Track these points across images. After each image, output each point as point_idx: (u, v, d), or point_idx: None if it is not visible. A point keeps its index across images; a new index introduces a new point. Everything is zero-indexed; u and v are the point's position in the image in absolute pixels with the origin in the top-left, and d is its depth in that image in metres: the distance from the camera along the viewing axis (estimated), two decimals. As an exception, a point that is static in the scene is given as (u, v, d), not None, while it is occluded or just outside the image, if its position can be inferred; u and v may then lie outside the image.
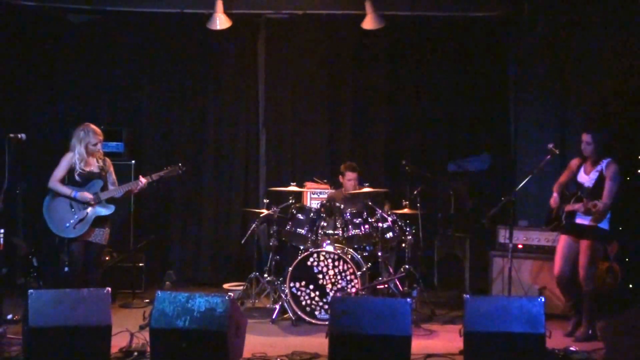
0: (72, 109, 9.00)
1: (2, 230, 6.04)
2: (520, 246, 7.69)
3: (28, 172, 8.57)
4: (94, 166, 6.74)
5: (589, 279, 6.37)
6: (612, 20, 8.13)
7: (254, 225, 7.98)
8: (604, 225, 6.35)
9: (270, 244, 7.68)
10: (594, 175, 6.37)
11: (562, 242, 6.57)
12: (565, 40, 8.59)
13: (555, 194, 6.55)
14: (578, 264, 6.41)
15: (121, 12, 9.06)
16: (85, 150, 6.66)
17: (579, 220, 6.39)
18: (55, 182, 6.63)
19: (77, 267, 6.67)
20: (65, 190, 6.60)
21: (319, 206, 7.56)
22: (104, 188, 6.74)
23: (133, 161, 8.62)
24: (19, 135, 6.20)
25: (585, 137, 6.38)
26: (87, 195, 6.60)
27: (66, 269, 7.86)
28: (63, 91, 9.21)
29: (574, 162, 6.58)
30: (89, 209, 6.62)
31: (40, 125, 9.02)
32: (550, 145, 6.40)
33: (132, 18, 9.16)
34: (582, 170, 6.50)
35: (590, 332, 6.33)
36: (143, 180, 6.83)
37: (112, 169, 6.91)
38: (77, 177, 6.65)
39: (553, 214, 6.58)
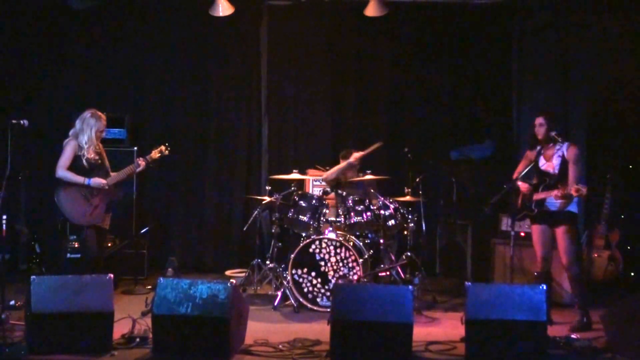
0: (75, 96, 8.98)
1: (4, 217, 6.03)
2: (522, 234, 7.68)
3: (30, 159, 8.59)
4: (94, 153, 6.72)
5: (573, 264, 6.31)
6: (616, 6, 8.09)
7: (256, 212, 7.96)
8: (574, 208, 6.32)
9: (273, 231, 7.68)
10: (556, 160, 6.33)
11: (537, 231, 6.49)
12: (568, 27, 8.55)
13: (523, 183, 6.45)
14: (558, 252, 6.38)
15: (124, -1, 9.08)
16: (94, 136, 6.65)
17: (551, 208, 6.33)
18: (64, 170, 6.53)
19: (92, 254, 6.65)
20: (78, 179, 6.54)
21: (320, 193, 7.55)
22: (107, 174, 6.73)
23: (135, 147, 8.59)
24: (21, 122, 6.15)
25: (538, 120, 6.38)
26: (101, 181, 6.57)
27: (69, 254, 7.91)
28: (66, 78, 9.18)
29: (532, 152, 6.52)
30: (101, 195, 6.61)
31: (43, 112, 9.01)
32: (553, 134, 6.36)
33: (135, 5, 9.15)
34: (541, 158, 6.43)
35: (585, 320, 6.24)
36: (142, 162, 6.84)
37: (105, 154, 6.88)
38: (85, 163, 6.58)
39: (519, 205, 6.52)
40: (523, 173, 6.43)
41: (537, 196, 6.35)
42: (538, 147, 6.41)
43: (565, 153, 6.31)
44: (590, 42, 8.34)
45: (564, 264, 6.36)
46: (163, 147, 7.00)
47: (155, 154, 6.95)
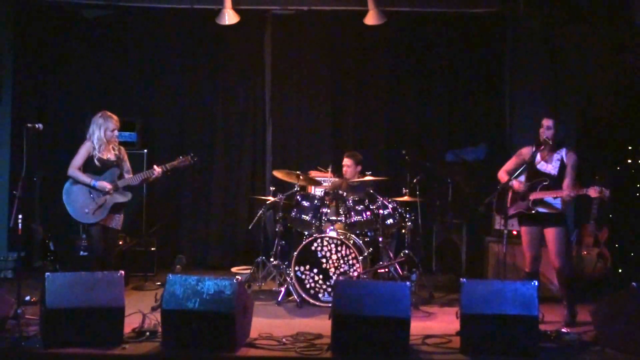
0: (87, 101, 8.96)
1: (20, 216, 6.02)
2: (514, 232, 7.65)
3: (45, 161, 8.60)
4: (110, 154, 6.71)
5: (566, 266, 6.23)
6: (603, 16, 8.09)
7: (260, 212, 7.95)
8: (563, 210, 6.25)
9: (276, 229, 7.67)
10: (556, 163, 6.23)
11: (526, 233, 6.33)
12: (559, 35, 8.55)
13: (517, 181, 6.28)
14: (548, 253, 6.29)
15: (133, 8, 9.07)
16: (104, 136, 6.64)
17: (543, 209, 6.22)
18: (74, 170, 6.59)
19: (97, 251, 6.65)
20: (85, 179, 6.55)
21: (322, 193, 7.54)
22: (120, 176, 6.72)
23: (145, 150, 8.62)
24: (36, 125, 6.17)
25: (547, 122, 6.20)
26: (106, 185, 6.56)
27: (81, 252, 7.91)
28: (78, 84, 9.18)
29: (526, 150, 6.36)
30: (107, 196, 6.60)
31: (57, 116, 9.04)
32: (544, 137, 6.34)
33: (144, 13, 9.15)
34: (538, 158, 6.31)
35: (573, 317, 6.22)
36: (158, 169, 6.80)
37: (126, 157, 6.88)
38: (96, 162, 6.60)
39: (508, 204, 6.35)
40: (518, 172, 6.24)
41: (535, 196, 6.21)
42: (534, 148, 6.27)
43: (565, 158, 6.22)
44: (578, 49, 8.33)
45: (556, 266, 6.25)
46: (189, 157, 6.94)
47: (177, 162, 6.90)
